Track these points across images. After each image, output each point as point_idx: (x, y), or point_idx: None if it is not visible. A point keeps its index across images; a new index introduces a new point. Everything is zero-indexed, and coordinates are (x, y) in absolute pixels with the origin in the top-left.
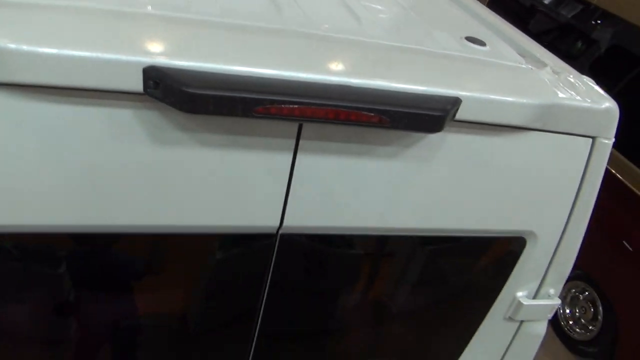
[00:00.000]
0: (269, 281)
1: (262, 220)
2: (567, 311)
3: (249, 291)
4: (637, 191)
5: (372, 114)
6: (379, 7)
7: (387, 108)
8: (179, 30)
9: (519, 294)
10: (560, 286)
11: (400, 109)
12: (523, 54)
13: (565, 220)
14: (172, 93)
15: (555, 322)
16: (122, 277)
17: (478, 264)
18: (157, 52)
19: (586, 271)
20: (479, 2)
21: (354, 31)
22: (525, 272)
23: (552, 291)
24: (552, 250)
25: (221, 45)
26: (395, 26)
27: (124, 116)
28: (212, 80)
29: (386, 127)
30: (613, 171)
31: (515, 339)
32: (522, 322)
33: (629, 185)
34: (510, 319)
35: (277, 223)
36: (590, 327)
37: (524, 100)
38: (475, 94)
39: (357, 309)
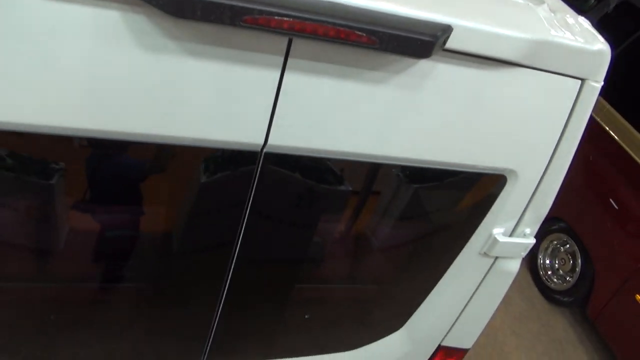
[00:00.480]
0: (250, 201)
1: (247, 136)
2: (547, 262)
3: (230, 212)
4: (630, 152)
5: (362, 34)
6: None
7: (377, 29)
8: None
9: (496, 230)
10: (537, 226)
11: (389, 31)
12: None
13: (547, 161)
14: None
15: (534, 272)
16: (108, 186)
17: (457, 200)
18: None
19: (570, 225)
20: None
21: None
22: (503, 210)
23: (528, 230)
24: (532, 190)
25: None
26: None
27: (114, 19)
28: None
29: (375, 49)
30: (608, 130)
31: (489, 275)
32: (496, 258)
33: (623, 145)
34: (485, 254)
35: (262, 141)
36: (567, 278)
37: (517, 35)
38: (467, 23)
39: (336, 238)
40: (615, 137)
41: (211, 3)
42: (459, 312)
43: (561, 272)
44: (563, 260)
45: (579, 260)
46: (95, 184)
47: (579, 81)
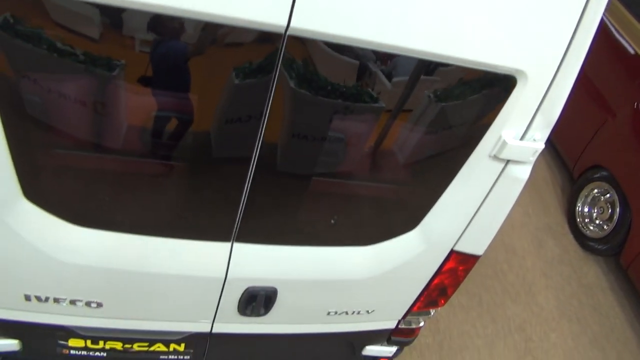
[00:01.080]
0: (274, 84)
1: (270, 16)
2: (586, 210)
3: (257, 95)
4: None
5: None
6: None
7: None
8: None
9: (505, 133)
10: (547, 132)
11: None
12: None
13: (558, 63)
14: None
15: (571, 219)
16: (158, 69)
17: (469, 102)
18: None
19: (613, 174)
20: None
21: None
22: (513, 112)
23: (537, 135)
24: (542, 94)
25: None
26: None
27: None
28: None
29: None
30: None
31: (499, 179)
32: (507, 163)
33: None
34: (495, 157)
35: (285, 22)
36: (604, 227)
37: None
38: None
39: (358, 134)
40: None
41: None
42: (471, 216)
43: (598, 220)
44: (602, 209)
45: (618, 209)
46: (151, 69)
47: None
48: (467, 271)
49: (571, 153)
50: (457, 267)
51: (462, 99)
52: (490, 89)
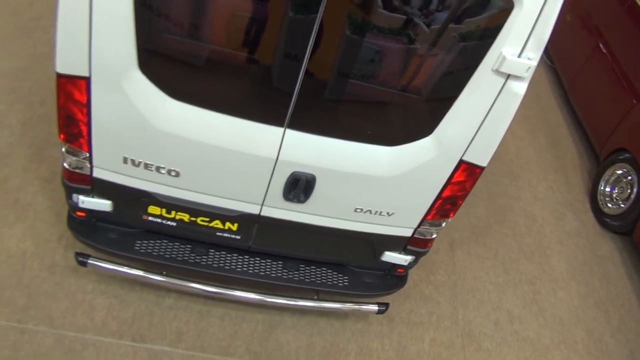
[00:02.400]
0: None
1: None
2: (608, 189)
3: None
4: None
5: None
6: None
7: None
8: None
9: (505, 50)
10: (538, 52)
11: None
12: None
13: None
14: None
15: (592, 198)
16: None
17: (475, 23)
18: None
19: (635, 156)
20: None
21: None
22: (510, 33)
23: (531, 54)
24: (534, 18)
25: None
26: None
27: None
28: None
29: None
30: None
31: (501, 93)
32: (507, 79)
33: None
34: (497, 71)
35: None
36: (621, 205)
37: None
38: None
39: (390, 50)
40: None
41: None
42: (477, 127)
43: (617, 199)
44: (622, 189)
45: (635, 189)
46: None
47: None
48: (473, 183)
49: (599, 136)
50: (465, 179)
51: (471, 21)
52: (492, 12)
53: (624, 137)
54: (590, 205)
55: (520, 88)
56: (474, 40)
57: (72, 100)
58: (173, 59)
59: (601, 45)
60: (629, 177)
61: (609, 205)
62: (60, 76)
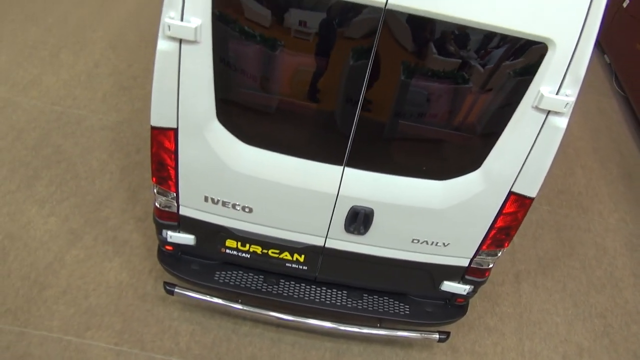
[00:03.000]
0: (375, 47)
1: None
2: None
3: (362, 59)
4: None
5: None
6: None
7: None
8: None
9: (543, 88)
10: (576, 89)
11: None
12: None
13: (578, 34)
14: None
15: None
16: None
17: (514, 65)
18: None
19: None
20: None
21: None
22: (547, 72)
23: (569, 91)
24: (569, 57)
25: None
26: None
27: None
28: None
29: None
30: None
31: (543, 128)
32: (548, 114)
33: None
34: (537, 108)
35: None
36: None
37: None
38: None
39: (439, 95)
40: None
41: None
42: (523, 160)
43: None
44: None
45: None
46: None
47: None
48: (524, 213)
49: None
50: (516, 209)
51: (510, 63)
52: (529, 54)
53: None
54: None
55: (561, 123)
56: (514, 80)
57: (162, 149)
58: (246, 109)
59: None
60: None
61: None
62: (153, 128)
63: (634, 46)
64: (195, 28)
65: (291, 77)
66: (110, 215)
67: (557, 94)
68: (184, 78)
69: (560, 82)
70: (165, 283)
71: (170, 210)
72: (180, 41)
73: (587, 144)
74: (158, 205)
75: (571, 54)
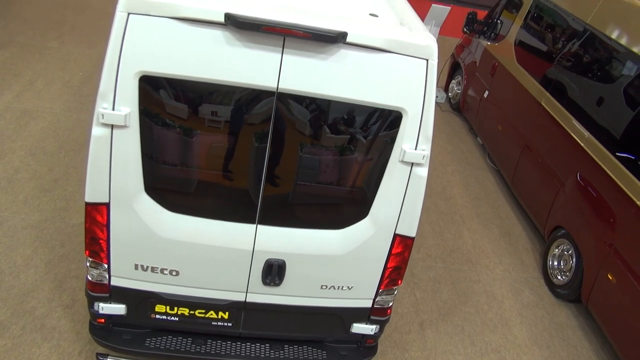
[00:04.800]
0: (273, 122)
1: (266, 81)
2: (555, 263)
3: (262, 130)
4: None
5: (308, 33)
6: None
7: (314, 32)
8: None
9: (404, 145)
10: (428, 145)
11: (318, 32)
12: (401, 21)
13: (421, 104)
14: None
15: (544, 273)
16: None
17: (384, 126)
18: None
19: (569, 232)
20: None
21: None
22: (405, 133)
23: (424, 147)
24: (419, 121)
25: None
26: (340, 7)
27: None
28: None
29: (310, 39)
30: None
31: (410, 177)
32: (412, 166)
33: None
34: (403, 161)
35: (276, 84)
36: (567, 275)
37: (383, 36)
38: (357, 31)
39: (328, 159)
40: (619, 183)
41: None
42: (400, 204)
43: (564, 270)
44: (565, 261)
45: (574, 259)
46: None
47: (425, 60)
48: (409, 253)
49: (540, 219)
50: (402, 249)
51: (381, 127)
52: (392, 119)
53: (558, 216)
54: (543, 280)
55: (422, 172)
56: (384, 141)
57: (95, 223)
58: (170, 182)
59: (527, 146)
60: (570, 251)
61: (558, 277)
62: (87, 204)
63: (496, 127)
64: (125, 115)
65: (207, 155)
66: (37, 305)
67: (415, 149)
68: (115, 158)
69: (416, 140)
70: (98, 354)
71: (102, 282)
72: (112, 126)
73: (471, 211)
74: (90, 279)
75: (419, 118)
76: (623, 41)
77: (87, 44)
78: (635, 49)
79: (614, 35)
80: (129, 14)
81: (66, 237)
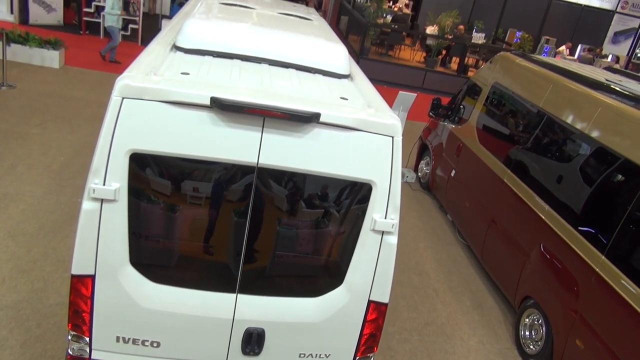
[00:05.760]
0: (252, 197)
1: (247, 157)
2: (527, 333)
3: (243, 204)
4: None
5: (285, 113)
6: (312, 85)
7: (291, 113)
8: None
9: (375, 215)
10: (397, 215)
11: (295, 113)
12: (368, 103)
13: (389, 177)
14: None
15: (517, 343)
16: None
17: (355, 199)
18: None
19: (537, 301)
20: (368, 83)
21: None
22: (376, 203)
23: (393, 216)
24: (387, 193)
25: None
26: (314, 91)
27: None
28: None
29: (288, 119)
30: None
31: (382, 245)
32: (382, 234)
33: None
34: (374, 230)
35: (256, 159)
36: (538, 344)
37: (353, 116)
38: (329, 112)
39: (302, 230)
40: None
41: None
42: (372, 271)
43: (535, 339)
44: (536, 330)
45: (544, 328)
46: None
47: (391, 137)
48: (383, 319)
49: (510, 291)
50: (376, 316)
51: (353, 198)
52: (364, 190)
53: (526, 286)
54: (517, 350)
55: (392, 239)
56: (357, 212)
57: (79, 296)
58: (155, 254)
59: (494, 220)
60: (539, 320)
61: (531, 346)
62: (73, 277)
63: (463, 204)
64: (115, 190)
65: (190, 229)
66: None
67: (385, 218)
68: (103, 230)
69: (385, 210)
70: None
71: (82, 357)
72: (102, 201)
73: (444, 285)
74: (71, 353)
75: (388, 190)
76: (572, 122)
77: (69, 130)
78: (585, 130)
79: (564, 118)
80: (123, 98)
81: (43, 317)
